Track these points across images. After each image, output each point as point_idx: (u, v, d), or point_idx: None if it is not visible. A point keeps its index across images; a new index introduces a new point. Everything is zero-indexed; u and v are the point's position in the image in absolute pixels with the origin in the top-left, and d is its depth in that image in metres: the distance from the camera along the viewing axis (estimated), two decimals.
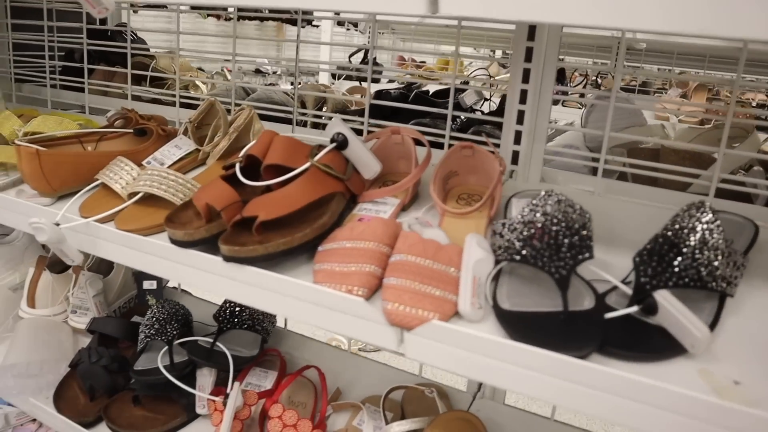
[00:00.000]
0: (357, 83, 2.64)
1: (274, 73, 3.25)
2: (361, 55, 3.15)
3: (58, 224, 0.86)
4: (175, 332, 1.03)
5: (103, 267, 1.26)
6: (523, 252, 0.67)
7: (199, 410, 1.00)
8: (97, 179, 0.94)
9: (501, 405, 1.09)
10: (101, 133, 1.06)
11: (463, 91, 1.28)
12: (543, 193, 0.70)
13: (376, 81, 3.08)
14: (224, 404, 0.92)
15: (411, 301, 0.64)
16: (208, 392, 0.99)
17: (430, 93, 1.47)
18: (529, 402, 1.18)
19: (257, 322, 1.06)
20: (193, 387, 1.01)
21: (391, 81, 2.99)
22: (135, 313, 1.26)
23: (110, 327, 1.13)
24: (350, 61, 3.03)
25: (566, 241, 0.66)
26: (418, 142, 0.89)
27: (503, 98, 1.36)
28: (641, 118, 1.15)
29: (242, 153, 0.86)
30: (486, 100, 1.41)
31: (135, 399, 1.03)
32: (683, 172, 0.97)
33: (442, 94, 1.48)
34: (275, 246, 0.72)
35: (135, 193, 0.88)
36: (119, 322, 1.14)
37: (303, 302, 0.70)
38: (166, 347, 1.01)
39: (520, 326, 0.63)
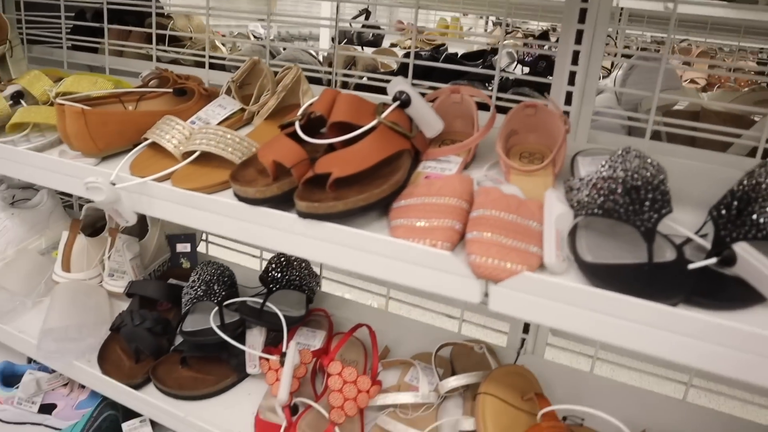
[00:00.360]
0: (358, 47, 2.61)
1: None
2: (362, 19, 3.12)
3: (113, 184, 0.84)
4: (222, 293, 1.03)
5: (134, 230, 1.25)
6: (606, 206, 0.68)
7: (250, 370, 1.01)
8: (146, 138, 0.92)
9: (542, 360, 1.12)
10: (141, 93, 1.04)
11: (495, 52, 1.27)
12: (621, 149, 0.71)
13: (376, 45, 3.05)
14: (281, 363, 0.93)
15: (498, 254, 0.65)
16: (259, 351, 1.00)
17: (459, 56, 1.46)
18: (563, 358, 1.21)
19: (303, 282, 1.06)
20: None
21: (393, 45, 2.97)
22: (170, 276, 1.25)
23: (151, 289, 1.12)
24: (351, 25, 3.00)
25: (649, 195, 0.67)
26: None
27: (536, 60, 1.37)
28: (677, 82, 1.17)
29: (301, 111, 0.85)
30: (518, 62, 1.41)
31: (183, 360, 1.02)
32: (728, 133, 0.99)
33: (471, 56, 1.47)
34: (354, 202, 0.72)
35: (190, 153, 0.87)
36: (160, 284, 1.13)
37: (384, 258, 0.70)
38: (216, 308, 1.01)
39: (607, 278, 0.64)
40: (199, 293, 1.02)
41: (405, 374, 1.02)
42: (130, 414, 1.26)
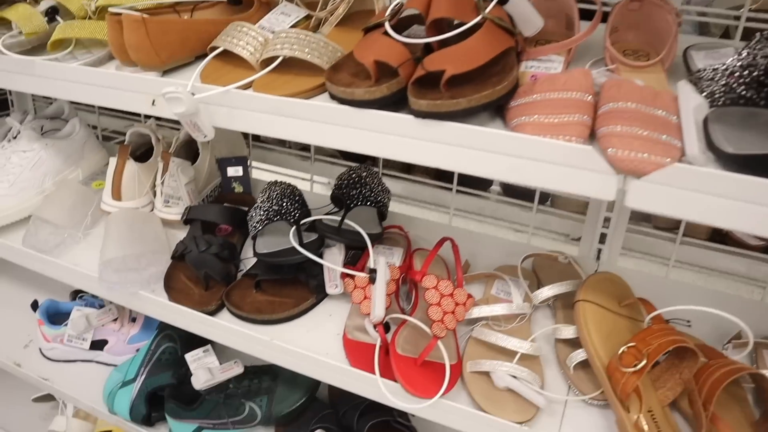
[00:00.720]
0: None
1: None
2: None
3: (193, 94, 0.78)
4: (296, 213, 0.98)
5: (184, 154, 1.18)
6: (748, 94, 0.65)
7: (330, 290, 0.98)
8: (214, 48, 0.85)
9: (621, 269, 1.10)
10: (194, 3, 0.96)
11: None
12: (758, 36, 0.68)
13: None
14: (371, 280, 0.90)
15: (641, 147, 0.62)
16: (339, 270, 0.96)
17: None
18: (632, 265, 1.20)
19: (377, 198, 1.02)
20: (320, 268, 0.98)
21: None
22: (222, 201, 1.19)
23: (212, 213, 1.07)
24: None
25: None
26: None
27: None
28: None
29: (389, 11, 0.79)
30: None
31: (257, 284, 0.99)
32: None
33: None
34: (477, 99, 0.68)
35: (270, 60, 0.81)
36: (220, 207, 1.08)
37: (511, 157, 0.66)
38: (293, 227, 0.96)
39: (754, 168, 0.61)
40: (270, 214, 0.98)
41: (490, 287, 1.00)
42: (188, 346, 1.24)
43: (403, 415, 1.15)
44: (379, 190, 1.04)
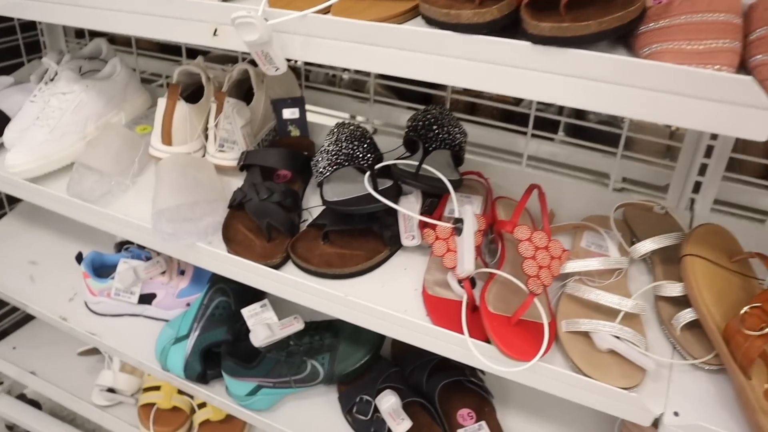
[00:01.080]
0: None
1: None
2: None
3: (265, 19, 0.69)
4: (368, 157, 0.90)
5: (233, 94, 1.09)
6: None
7: (406, 242, 0.90)
8: None
9: (711, 218, 1.01)
10: None
11: None
12: None
13: None
14: (457, 231, 0.81)
15: None
16: (417, 220, 0.88)
17: None
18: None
19: (455, 141, 0.93)
20: (395, 218, 0.90)
21: None
22: (278, 146, 1.11)
23: (272, 158, 0.99)
24: None
25: None
26: None
27: None
28: None
29: None
30: None
31: (325, 236, 0.91)
32: None
33: None
34: (609, 22, 0.58)
35: None
36: (281, 152, 1.00)
37: (651, 92, 0.57)
38: (367, 173, 0.88)
39: None
40: (340, 158, 0.90)
41: (579, 240, 0.92)
42: (242, 300, 1.18)
43: (474, 373, 1.09)
44: (456, 132, 0.95)
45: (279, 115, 1.11)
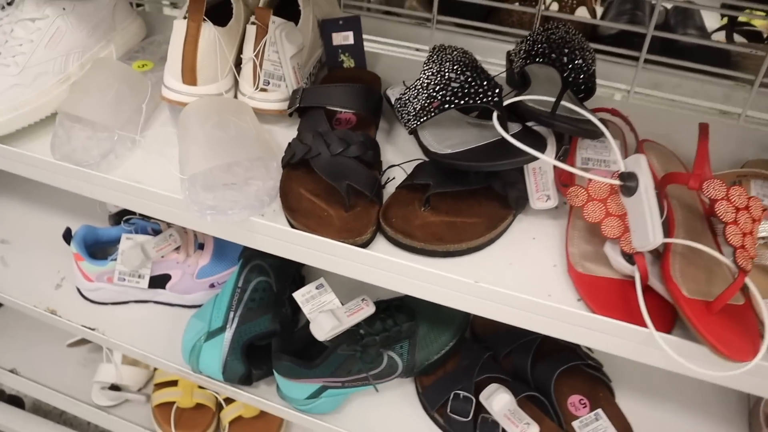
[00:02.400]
0: None
1: None
2: None
3: None
4: (489, 92, 0.64)
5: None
6: None
7: (538, 204, 0.68)
8: None
9: None
10: None
11: None
12: None
13: None
14: (624, 189, 0.59)
15: None
16: (551, 176, 0.65)
17: None
18: None
19: (588, 69, 0.69)
20: (520, 174, 0.66)
21: None
22: (328, 81, 0.84)
23: (343, 97, 0.73)
24: None
25: None
26: None
27: None
28: None
29: None
30: None
31: (426, 201, 0.67)
32: None
33: None
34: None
35: None
36: (356, 89, 0.74)
37: None
38: (495, 114, 0.63)
39: None
40: (448, 95, 0.64)
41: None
42: (283, 278, 0.93)
43: (587, 354, 0.89)
44: (590, 58, 0.70)
45: (328, 40, 0.83)
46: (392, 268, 0.64)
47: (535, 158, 0.61)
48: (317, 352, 0.84)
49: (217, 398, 1.13)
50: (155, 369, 1.20)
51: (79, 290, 1.02)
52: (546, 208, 0.68)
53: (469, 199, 0.69)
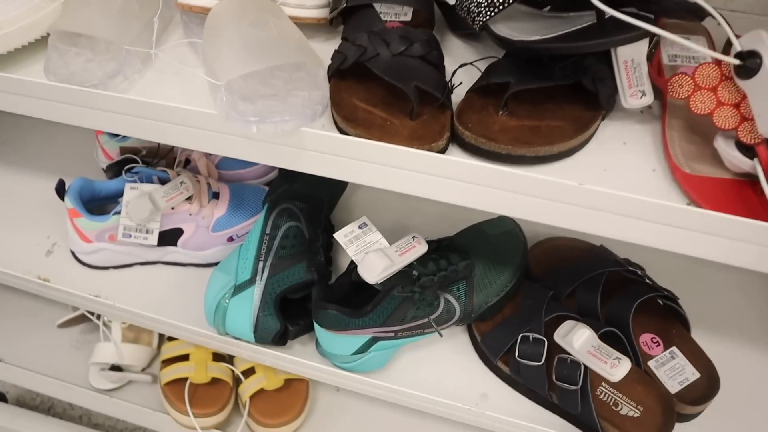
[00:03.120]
0: None
1: None
2: None
3: None
4: None
5: None
6: None
7: (631, 101, 0.59)
8: None
9: None
10: None
11: None
12: None
13: None
14: (747, 72, 0.50)
15: None
16: (646, 69, 0.56)
17: None
18: None
19: None
20: (609, 68, 0.57)
21: None
22: None
23: None
24: None
25: None
26: None
27: None
28: None
29: None
30: None
31: (504, 104, 0.58)
32: None
33: None
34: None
35: None
36: None
37: None
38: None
39: None
40: None
41: None
42: (314, 223, 0.83)
43: (660, 286, 0.80)
44: None
45: None
46: (479, 178, 0.54)
47: (645, 35, 0.52)
48: (362, 303, 0.74)
49: (233, 372, 1.01)
50: (160, 345, 1.08)
51: (74, 254, 0.89)
52: (641, 106, 0.59)
53: (550, 102, 0.60)
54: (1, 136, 1.10)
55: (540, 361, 0.72)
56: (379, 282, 0.71)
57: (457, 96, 0.62)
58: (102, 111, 0.64)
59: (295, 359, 0.79)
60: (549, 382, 0.72)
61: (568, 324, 0.71)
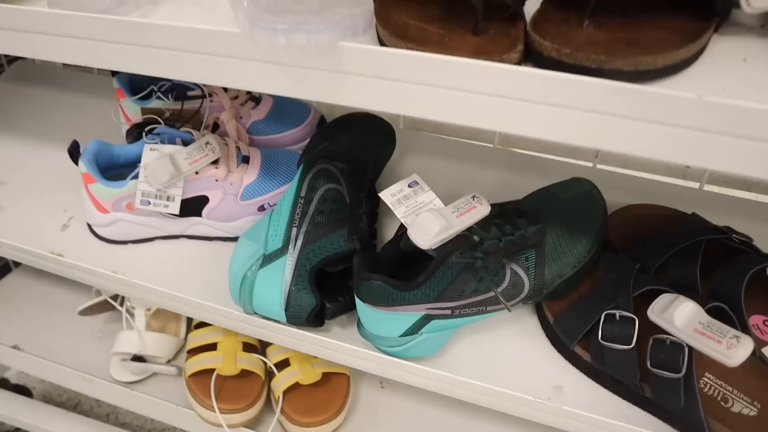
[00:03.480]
0: None
1: None
2: None
3: None
4: None
5: None
6: None
7: (753, 4, 0.45)
8: None
9: None
10: None
11: None
12: None
13: None
14: None
15: None
16: None
17: None
18: None
19: None
20: None
21: None
22: None
23: None
24: None
25: None
26: None
27: None
28: None
29: None
30: None
31: (590, 13, 0.46)
32: None
33: None
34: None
35: None
36: None
37: None
38: None
39: None
40: None
41: None
42: (356, 186, 0.72)
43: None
44: None
45: None
46: (569, 96, 0.42)
47: None
48: (412, 277, 0.62)
49: (266, 364, 0.91)
50: (187, 334, 0.98)
51: (90, 228, 0.81)
52: (760, 11, 0.46)
53: (644, 13, 0.48)
54: (22, 109, 1.04)
55: (630, 344, 0.59)
56: (434, 247, 0.59)
57: (530, 7, 0.50)
58: (111, 43, 0.55)
59: (334, 342, 0.68)
60: (641, 370, 0.59)
61: (666, 297, 0.58)
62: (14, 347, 1.02)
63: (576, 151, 0.98)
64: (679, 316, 0.56)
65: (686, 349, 0.56)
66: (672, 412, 0.59)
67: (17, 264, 1.19)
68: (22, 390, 1.21)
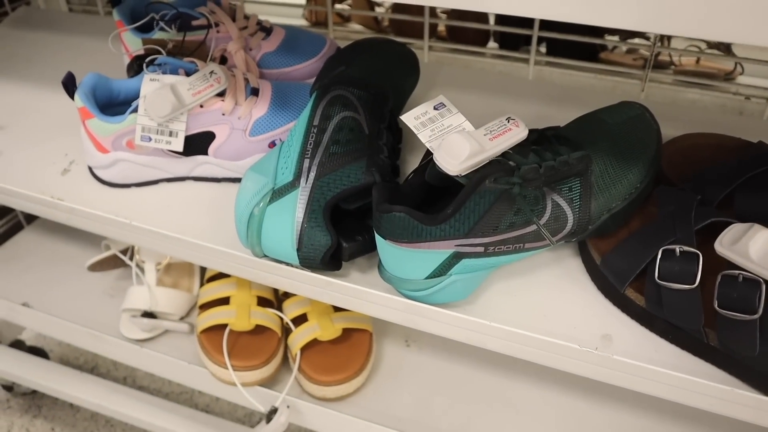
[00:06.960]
0: None
1: None
2: None
3: None
4: None
5: None
6: None
7: None
8: None
9: None
10: None
11: None
12: None
13: None
14: None
15: None
16: None
17: None
18: None
19: None
20: None
21: None
22: None
23: None
24: None
25: None
26: None
27: None
28: None
29: None
30: None
31: None
32: None
33: None
34: None
35: None
36: None
37: None
38: None
39: None
40: None
41: None
42: (375, 116, 0.64)
43: None
44: None
45: None
46: None
47: None
48: (439, 211, 0.54)
49: (282, 319, 0.84)
50: (200, 289, 0.92)
51: (92, 171, 0.74)
52: None
53: None
54: (25, 53, 0.97)
55: (693, 284, 0.50)
56: (464, 173, 0.51)
57: None
58: None
59: (351, 286, 0.60)
60: (705, 313, 0.50)
61: (738, 227, 0.49)
62: (24, 305, 0.96)
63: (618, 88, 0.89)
64: (755, 246, 0.47)
65: (764, 286, 0.47)
66: (742, 362, 0.50)
67: (30, 221, 1.14)
68: (38, 352, 1.17)
